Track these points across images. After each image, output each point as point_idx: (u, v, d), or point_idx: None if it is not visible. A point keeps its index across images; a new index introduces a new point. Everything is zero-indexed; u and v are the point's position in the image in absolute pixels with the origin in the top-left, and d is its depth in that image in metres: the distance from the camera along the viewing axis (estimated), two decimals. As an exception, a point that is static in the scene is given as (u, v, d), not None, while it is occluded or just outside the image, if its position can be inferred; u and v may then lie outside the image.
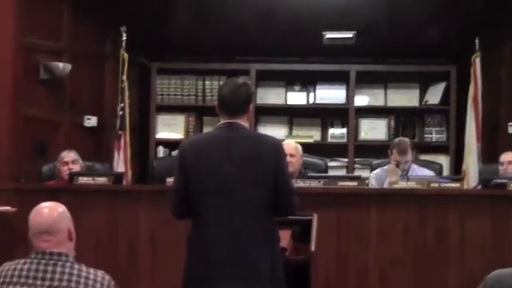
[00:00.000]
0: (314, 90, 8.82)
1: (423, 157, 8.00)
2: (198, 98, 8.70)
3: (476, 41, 7.30)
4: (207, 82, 8.68)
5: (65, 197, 4.97)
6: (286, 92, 8.85)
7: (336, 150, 8.62)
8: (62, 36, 7.59)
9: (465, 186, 6.47)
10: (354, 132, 8.63)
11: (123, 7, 7.90)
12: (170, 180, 5.32)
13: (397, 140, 6.80)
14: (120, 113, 7.23)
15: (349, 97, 8.65)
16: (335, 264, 5.63)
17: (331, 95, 8.76)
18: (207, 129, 8.36)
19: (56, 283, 3.37)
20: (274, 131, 8.51)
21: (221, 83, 8.34)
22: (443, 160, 8.26)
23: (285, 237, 4.35)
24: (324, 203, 5.50)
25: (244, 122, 4.03)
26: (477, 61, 7.33)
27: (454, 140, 8.44)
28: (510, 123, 7.87)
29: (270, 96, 8.81)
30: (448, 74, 8.57)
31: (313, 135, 8.77)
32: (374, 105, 8.79)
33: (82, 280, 3.39)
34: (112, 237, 5.68)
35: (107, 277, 3.46)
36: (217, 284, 3.90)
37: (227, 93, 4.03)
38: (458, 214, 5.67)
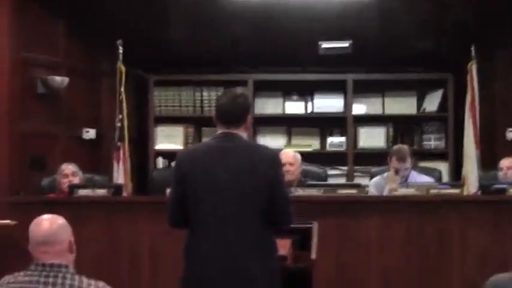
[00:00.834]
0: (312, 100, 8.83)
1: (422, 164, 7.99)
2: (196, 109, 8.71)
3: (472, 48, 7.32)
4: (204, 93, 8.69)
5: (65, 210, 4.94)
6: (284, 102, 8.85)
7: (335, 159, 8.63)
8: (59, 50, 7.61)
9: (465, 193, 6.48)
10: (352, 140, 8.63)
11: (119, 20, 7.91)
12: (170, 191, 5.34)
13: (396, 147, 6.81)
14: (119, 124, 7.24)
15: (347, 106, 8.66)
16: (336, 272, 5.63)
17: (329, 104, 8.77)
18: (205, 139, 8.35)
19: (57, 294, 3.37)
20: (273, 140, 8.52)
21: (219, 93, 8.36)
22: (443, 167, 8.26)
23: (285, 245, 4.35)
24: (324, 211, 5.51)
25: (241, 133, 4.01)
26: (473, 69, 7.35)
27: (453, 146, 8.44)
28: (508, 129, 7.88)
29: (268, 106, 8.82)
30: (445, 82, 8.58)
31: (312, 144, 8.78)
32: (372, 113, 8.80)
33: (83, 291, 3.39)
34: (112, 249, 5.69)
35: None
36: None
37: (224, 103, 4.03)
38: (459, 220, 5.68)
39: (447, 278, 5.64)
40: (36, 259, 3.45)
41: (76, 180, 6.52)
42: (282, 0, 7.49)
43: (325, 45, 8.32)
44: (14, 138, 6.96)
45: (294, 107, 8.84)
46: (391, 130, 8.77)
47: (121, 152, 7.18)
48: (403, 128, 8.80)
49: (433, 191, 5.86)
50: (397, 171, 6.47)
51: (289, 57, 8.60)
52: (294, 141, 8.81)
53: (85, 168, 6.89)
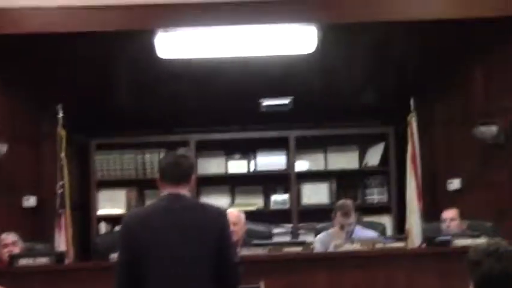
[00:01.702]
0: (254, 158, 8.84)
1: (366, 218, 8.03)
2: (139, 172, 8.66)
3: (411, 101, 7.41)
4: (146, 155, 8.65)
5: (6, 280, 4.87)
6: (226, 161, 8.85)
7: (279, 217, 8.62)
8: (-2, 116, 7.52)
9: (409, 246, 6.51)
10: (296, 197, 8.65)
11: (58, 85, 7.86)
12: (114, 256, 5.25)
13: (340, 202, 6.82)
14: (60, 191, 7.15)
15: (290, 163, 8.69)
16: (285, 332, 5.58)
17: (271, 161, 8.79)
18: (149, 202, 8.28)
19: None
20: (217, 200, 8.48)
21: (161, 155, 8.36)
22: (386, 220, 8.31)
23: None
24: (271, 271, 5.47)
25: (186, 192, 4.02)
26: (413, 121, 7.44)
27: (396, 200, 8.50)
28: (449, 181, 7.96)
29: (211, 166, 8.80)
30: (386, 135, 8.67)
31: (256, 202, 8.76)
32: (315, 169, 8.84)
33: None
34: (57, 318, 5.57)
35: None
36: None
37: (167, 164, 4.04)
38: (405, 273, 5.69)
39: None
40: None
41: (16, 249, 6.39)
42: (222, 59, 7.52)
43: (266, 102, 8.37)
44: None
45: (237, 166, 8.84)
46: (334, 186, 8.80)
47: (62, 219, 7.08)
48: (346, 183, 8.85)
49: (378, 246, 5.87)
50: (342, 227, 6.47)
51: (231, 115, 8.63)
52: (238, 200, 8.79)
53: (26, 236, 6.75)
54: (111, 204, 8.61)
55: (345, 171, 8.82)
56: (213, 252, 3.88)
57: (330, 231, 6.62)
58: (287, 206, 8.67)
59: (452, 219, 6.79)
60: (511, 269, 2.88)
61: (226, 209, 5.40)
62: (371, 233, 6.70)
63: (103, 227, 8.53)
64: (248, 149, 8.85)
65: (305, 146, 8.77)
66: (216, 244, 3.89)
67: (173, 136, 8.69)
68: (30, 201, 7.79)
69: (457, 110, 7.94)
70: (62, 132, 7.26)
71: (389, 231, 7.99)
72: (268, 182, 8.86)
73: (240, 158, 8.86)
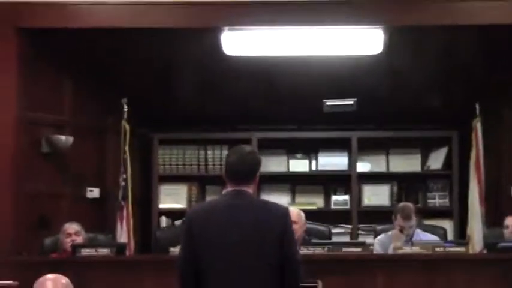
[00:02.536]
0: (316, 158, 8.83)
1: (427, 222, 7.95)
2: (200, 168, 8.70)
3: (477, 106, 7.35)
4: (208, 152, 8.69)
5: (68, 269, 4.93)
6: (288, 160, 8.85)
7: (339, 217, 8.60)
8: (64, 110, 7.64)
9: (470, 251, 6.45)
10: (356, 198, 8.61)
11: (124, 79, 7.96)
12: (174, 250, 5.32)
13: (401, 205, 6.78)
14: (123, 183, 7.25)
15: (351, 164, 8.66)
16: (342, 332, 5.58)
17: (333, 162, 8.76)
18: (209, 198, 8.35)
19: None
20: (277, 198, 8.46)
21: (223, 152, 8.39)
22: (447, 225, 8.22)
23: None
24: (329, 270, 5.47)
25: (250, 190, 4.04)
26: (478, 126, 7.38)
27: (458, 204, 8.41)
28: (513, 187, 7.87)
29: (272, 164, 8.81)
30: (449, 139, 8.58)
31: (316, 202, 8.75)
32: (376, 171, 8.79)
33: None
34: (116, 309, 5.64)
35: None
36: None
37: (234, 161, 4.05)
38: (465, 278, 5.65)
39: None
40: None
41: (79, 239, 6.50)
42: (287, 58, 7.53)
43: (329, 102, 8.35)
44: (18, 198, 6.94)
45: (298, 164, 8.84)
46: (395, 188, 8.75)
47: (124, 211, 7.17)
48: (407, 186, 8.78)
49: (439, 249, 5.84)
50: (402, 230, 6.44)
51: (293, 115, 8.63)
52: (298, 199, 8.79)
53: (88, 227, 6.86)
54: (172, 198, 8.67)
55: (406, 174, 8.76)
56: (275, 250, 3.89)
57: (390, 233, 6.59)
58: (347, 207, 8.64)
59: (515, 226, 6.72)
60: None
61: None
62: (431, 237, 6.66)
63: (164, 221, 8.59)
64: (310, 149, 8.84)
65: (367, 147, 8.73)
66: (279, 242, 3.90)
67: (236, 133, 8.71)
68: (94, 192, 7.89)
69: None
70: (126, 125, 7.35)
71: (450, 236, 7.92)
72: (329, 182, 8.85)
73: (302, 157, 8.86)
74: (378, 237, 6.77)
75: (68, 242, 6.43)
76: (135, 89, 7.90)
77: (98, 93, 7.97)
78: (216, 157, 8.59)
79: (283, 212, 4.04)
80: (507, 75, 7.86)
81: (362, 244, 6.07)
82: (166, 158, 8.71)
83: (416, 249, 5.89)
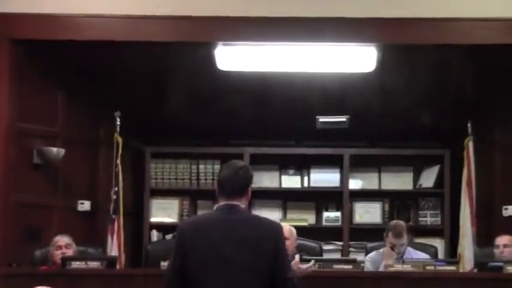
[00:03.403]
0: (308, 174, 8.84)
1: (418, 240, 7.97)
2: (192, 182, 8.70)
3: (469, 124, 7.36)
4: (201, 166, 8.70)
5: (58, 282, 4.93)
6: (280, 176, 8.86)
7: (330, 234, 8.60)
8: (56, 121, 7.62)
9: (461, 270, 6.45)
10: (348, 215, 8.62)
11: (117, 92, 7.95)
12: (164, 264, 5.29)
13: (392, 223, 6.79)
14: (114, 197, 7.24)
15: (343, 180, 8.66)
16: None
17: (325, 178, 8.77)
18: (201, 213, 8.34)
19: None
20: (269, 214, 8.45)
21: (215, 166, 8.40)
22: (438, 243, 8.23)
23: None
24: (319, 287, 5.45)
25: (243, 204, 4.04)
26: (470, 145, 7.39)
27: (449, 223, 8.43)
28: (504, 207, 7.87)
29: (264, 179, 8.82)
30: (441, 158, 8.60)
31: (308, 218, 8.75)
32: (368, 188, 8.80)
33: None
34: (106, 323, 5.62)
35: None
36: None
37: (226, 175, 4.07)
38: (455, 297, 5.64)
39: None
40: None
41: (69, 252, 6.48)
42: (280, 73, 7.54)
43: (322, 119, 8.36)
44: (8, 209, 6.92)
45: (290, 180, 8.84)
46: (387, 206, 8.76)
47: (115, 224, 7.15)
48: (399, 204, 8.80)
49: (429, 268, 5.82)
50: (393, 247, 6.44)
51: (286, 130, 8.65)
52: (290, 215, 8.79)
53: (79, 240, 6.84)
54: (163, 212, 8.67)
55: (398, 192, 8.77)
56: (267, 265, 3.90)
57: (381, 250, 6.58)
58: (339, 224, 8.66)
59: (505, 246, 6.72)
60: None
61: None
62: (422, 255, 6.65)
63: (155, 235, 8.58)
64: (302, 165, 8.86)
65: (359, 164, 8.74)
66: (271, 257, 3.91)
67: (228, 148, 8.72)
68: (85, 205, 7.87)
69: (517, 136, 7.87)
70: (118, 138, 7.34)
71: (441, 254, 7.93)
72: (321, 198, 8.85)
73: (294, 173, 8.87)
74: (369, 255, 6.76)
75: (58, 255, 6.40)
76: (128, 102, 7.89)
77: (90, 106, 7.97)
78: (208, 171, 8.60)
79: (277, 229, 4.05)
80: (498, 94, 7.89)
81: (353, 261, 6.04)
82: (159, 171, 8.71)
83: (407, 267, 5.87)
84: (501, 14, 6.82)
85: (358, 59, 7.32)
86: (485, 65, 7.48)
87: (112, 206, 7.24)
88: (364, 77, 7.53)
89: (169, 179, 8.71)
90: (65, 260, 5.90)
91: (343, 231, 8.57)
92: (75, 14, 6.82)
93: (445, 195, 8.53)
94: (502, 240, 6.78)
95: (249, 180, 4.10)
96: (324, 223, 8.74)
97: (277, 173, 8.86)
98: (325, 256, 7.51)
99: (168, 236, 8.29)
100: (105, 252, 7.11)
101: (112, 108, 7.44)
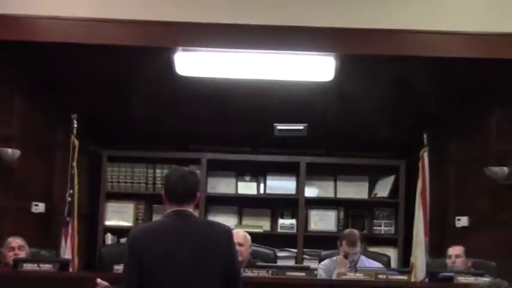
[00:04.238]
0: (264, 181, 8.86)
1: (372, 249, 8.02)
2: (148, 186, 8.69)
3: (425, 136, 7.43)
4: (157, 170, 8.68)
5: (10, 284, 4.90)
6: (236, 182, 8.87)
7: (285, 241, 8.62)
8: (12, 123, 7.56)
9: (413, 279, 6.50)
10: (303, 223, 8.64)
11: (76, 95, 7.91)
12: (118, 267, 5.28)
13: (346, 231, 6.82)
14: (69, 199, 7.18)
15: (299, 188, 8.69)
16: None
17: (281, 185, 8.80)
18: (156, 217, 8.32)
19: None
20: (224, 220, 8.44)
21: (172, 171, 8.36)
22: (392, 252, 8.29)
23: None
24: (272, 294, 5.49)
25: (191, 209, 4.04)
26: (425, 156, 7.44)
27: (403, 232, 8.49)
28: (457, 218, 7.95)
29: (221, 185, 8.83)
30: (397, 168, 8.67)
31: (263, 225, 8.77)
32: (324, 196, 8.84)
33: None
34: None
35: None
36: None
37: (175, 181, 4.04)
38: (406, 306, 5.69)
39: None
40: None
41: (22, 254, 6.43)
42: (240, 80, 7.56)
43: (280, 127, 8.39)
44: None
45: (247, 187, 8.86)
46: (342, 214, 8.80)
47: (69, 227, 7.11)
48: (354, 213, 8.85)
49: (382, 277, 5.88)
50: (346, 256, 6.47)
51: (244, 137, 8.66)
52: (245, 221, 8.80)
53: (32, 242, 6.80)
54: (118, 216, 8.64)
55: (353, 201, 8.82)
56: (220, 269, 3.91)
57: (335, 258, 6.61)
58: (294, 231, 8.68)
59: (457, 256, 6.78)
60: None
61: (232, 229, 5.45)
62: (375, 264, 6.71)
63: (109, 239, 8.55)
64: (259, 172, 8.87)
65: (316, 172, 8.78)
66: (224, 262, 3.92)
67: (186, 153, 8.71)
68: (39, 207, 7.83)
69: (471, 149, 7.94)
70: (75, 141, 7.29)
71: (394, 264, 7.99)
72: (276, 205, 8.87)
73: (250, 180, 8.89)
74: (323, 263, 6.79)
75: (10, 256, 6.35)
76: (86, 106, 7.86)
77: (47, 108, 7.92)
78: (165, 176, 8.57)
79: (228, 231, 4.07)
80: (455, 107, 7.98)
81: (306, 269, 6.08)
82: (115, 175, 8.68)
83: (359, 276, 5.92)
84: (460, 28, 6.91)
85: (317, 68, 7.37)
86: (443, 78, 7.57)
87: (67, 208, 7.18)
88: (323, 86, 7.58)
89: (126, 182, 8.69)
90: (17, 261, 5.85)
91: (298, 238, 8.59)
92: (34, 16, 6.78)
93: (400, 205, 8.60)
94: (454, 250, 6.85)
95: (198, 185, 4.10)
96: (279, 230, 8.76)
97: (233, 180, 8.87)
98: (279, 263, 7.53)
99: (123, 240, 8.25)
100: (58, 254, 7.06)
101: (70, 112, 7.39)
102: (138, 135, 8.62)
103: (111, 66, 7.55)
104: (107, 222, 8.60)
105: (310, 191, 8.79)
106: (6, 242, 6.53)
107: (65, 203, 7.24)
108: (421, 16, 6.93)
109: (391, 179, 8.75)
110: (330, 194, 8.88)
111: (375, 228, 8.76)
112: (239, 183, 8.88)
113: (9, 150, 7.34)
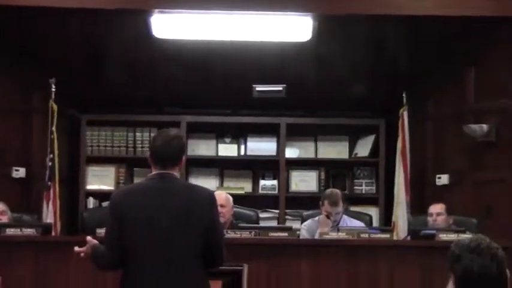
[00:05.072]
0: (245, 143, 8.86)
1: (353, 208, 8.06)
2: (129, 150, 8.67)
3: (404, 95, 7.44)
4: (137, 134, 8.66)
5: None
6: (217, 144, 8.86)
7: (267, 202, 8.65)
8: (-13, 89, 7.52)
9: (395, 237, 6.55)
10: (284, 184, 8.67)
11: (53, 59, 7.85)
12: (101, 231, 5.28)
13: (328, 191, 6.85)
14: (49, 164, 7.16)
15: (280, 149, 8.70)
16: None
17: (261, 147, 8.81)
18: (137, 180, 8.32)
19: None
20: (205, 182, 8.47)
21: (152, 134, 8.35)
22: (373, 211, 8.33)
23: (215, 287, 4.34)
24: (255, 254, 5.52)
25: (176, 173, 4.04)
26: (405, 115, 7.46)
27: (384, 192, 8.53)
28: (438, 176, 8.00)
29: (201, 148, 8.83)
30: (377, 127, 8.68)
31: (244, 186, 8.78)
32: (304, 157, 8.86)
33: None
34: (41, 290, 5.60)
35: None
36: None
37: (160, 144, 4.04)
38: (388, 264, 5.75)
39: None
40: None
41: (4, 219, 6.44)
42: (217, 42, 7.53)
43: (259, 88, 8.37)
44: None
45: (227, 149, 8.86)
46: (323, 174, 8.83)
47: (51, 191, 7.09)
48: (335, 173, 8.88)
49: (364, 236, 5.92)
50: (328, 215, 6.51)
51: (223, 99, 8.65)
52: (226, 183, 8.81)
53: (14, 207, 6.79)
54: (99, 180, 8.62)
55: (334, 161, 8.85)
56: (201, 232, 3.92)
57: (317, 218, 6.65)
58: (275, 192, 8.71)
59: (438, 214, 6.84)
60: (490, 265, 2.92)
61: (214, 191, 5.47)
62: (357, 223, 6.75)
63: (91, 202, 8.55)
64: (239, 133, 8.87)
65: (296, 133, 8.79)
66: (205, 225, 3.93)
67: (165, 116, 8.70)
68: (20, 172, 7.80)
69: (449, 107, 7.97)
70: (53, 106, 7.25)
71: (375, 223, 8.04)
72: (257, 167, 8.89)
73: (231, 142, 8.88)
74: (305, 223, 6.83)
75: (-8, 222, 6.35)
76: (63, 70, 7.79)
77: (24, 73, 7.86)
78: (145, 139, 8.56)
79: (209, 195, 4.07)
80: (433, 65, 7.99)
81: (289, 229, 6.11)
82: (94, 139, 8.65)
83: (341, 235, 5.97)
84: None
85: (295, 28, 7.34)
86: (420, 36, 7.58)
87: (47, 173, 7.16)
88: (301, 46, 7.56)
89: (106, 146, 8.66)
90: (0, 226, 5.85)
91: (280, 199, 8.62)
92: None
93: (380, 165, 8.63)
94: (435, 208, 6.90)
95: (183, 148, 4.10)
96: (260, 191, 8.78)
97: (213, 142, 8.87)
98: (262, 224, 7.56)
99: (104, 204, 8.25)
100: (40, 219, 7.06)
101: (47, 76, 7.33)
102: (117, 99, 8.59)
103: (87, 29, 7.49)
104: (88, 186, 8.59)
105: (291, 152, 8.80)
106: (-12, 208, 6.52)
107: (45, 167, 7.21)
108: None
109: (371, 139, 8.77)
110: (310, 154, 8.90)
111: (356, 187, 8.80)
112: (219, 145, 8.87)
113: (-12, 116, 7.30)
